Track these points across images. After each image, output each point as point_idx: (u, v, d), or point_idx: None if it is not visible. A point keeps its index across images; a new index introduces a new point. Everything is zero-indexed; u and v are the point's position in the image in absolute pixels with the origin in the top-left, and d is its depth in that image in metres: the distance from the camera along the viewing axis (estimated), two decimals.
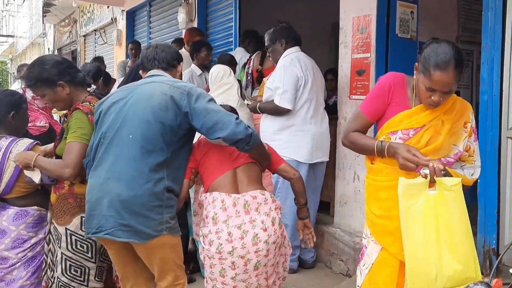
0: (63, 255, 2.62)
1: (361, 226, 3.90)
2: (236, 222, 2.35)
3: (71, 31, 13.09)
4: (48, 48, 15.55)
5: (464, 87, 5.22)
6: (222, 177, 2.45)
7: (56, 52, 14.86)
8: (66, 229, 2.61)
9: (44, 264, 2.80)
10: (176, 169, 2.38)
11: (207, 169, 2.50)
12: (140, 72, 2.70)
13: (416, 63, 2.18)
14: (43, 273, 2.80)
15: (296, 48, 3.98)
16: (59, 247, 2.63)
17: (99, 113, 2.41)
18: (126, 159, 2.27)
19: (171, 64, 2.57)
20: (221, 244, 2.33)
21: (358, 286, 2.36)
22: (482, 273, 2.15)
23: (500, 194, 3.11)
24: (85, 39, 12.28)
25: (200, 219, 2.59)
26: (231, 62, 4.85)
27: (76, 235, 2.61)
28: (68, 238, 2.61)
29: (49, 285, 2.74)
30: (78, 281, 2.65)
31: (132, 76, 3.50)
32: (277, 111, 3.86)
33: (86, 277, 2.65)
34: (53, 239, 2.69)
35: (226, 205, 2.38)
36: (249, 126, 2.35)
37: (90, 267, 2.65)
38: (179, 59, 2.63)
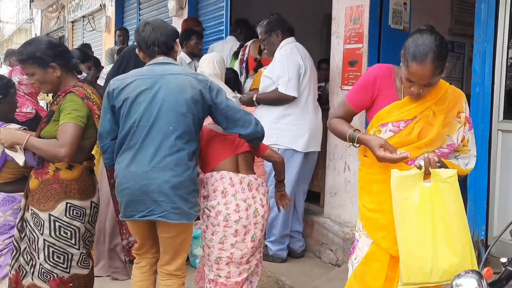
0: (46, 242, 2.60)
1: (351, 216, 3.92)
2: (242, 196, 2.68)
3: (58, 17, 12.90)
4: (35, 34, 15.31)
5: (455, 80, 5.24)
6: (227, 161, 2.73)
7: None
8: (50, 215, 2.59)
9: (14, 252, 2.74)
10: (197, 157, 2.65)
11: (212, 154, 2.76)
12: (137, 51, 2.70)
13: (401, 52, 2.11)
14: (14, 261, 2.73)
15: (292, 39, 3.95)
16: (41, 234, 2.60)
17: (124, 100, 2.48)
18: (168, 149, 2.45)
19: (170, 46, 2.62)
20: (229, 214, 2.65)
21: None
22: None
23: (490, 186, 3.15)
24: (73, 26, 12.10)
25: (200, 195, 2.79)
26: (236, 79, 4.72)
27: (60, 221, 2.59)
28: (52, 224, 2.59)
29: (22, 273, 2.69)
30: (61, 268, 2.63)
31: (126, 61, 3.49)
32: (281, 100, 3.81)
33: (68, 263, 2.64)
34: (31, 226, 2.64)
35: (234, 182, 2.69)
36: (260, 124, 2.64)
37: (74, 253, 2.64)
38: (175, 37, 2.67)
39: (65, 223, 2.60)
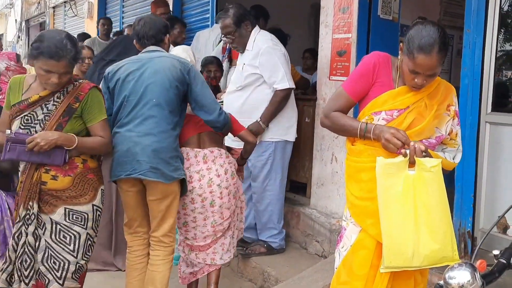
0: (88, 236, 2.62)
1: (337, 207, 3.91)
2: (196, 169, 3.00)
3: (39, 2, 12.63)
4: (16, 20, 15.00)
5: (443, 72, 5.24)
6: (190, 138, 3.07)
7: (23, 24, 14.35)
8: (93, 205, 2.63)
9: (29, 261, 2.56)
10: (180, 129, 2.96)
11: (181, 132, 3.00)
12: (134, 42, 3.09)
13: (401, 44, 2.13)
14: (29, 271, 2.57)
15: (257, 27, 3.84)
16: (85, 228, 2.59)
17: (116, 80, 2.87)
18: (152, 118, 2.78)
19: (159, 39, 2.99)
20: None
21: (335, 268, 2.34)
22: None
23: (477, 178, 3.15)
24: (54, 11, 11.86)
25: None
26: (212, 62, 4.65)
27: (100, 209, 2.68)
28: (95, 214, 2.65)
29: (45, 282, 2.56)
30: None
31: (121, 46, 4.00)
32: (287, 97, 3.76)
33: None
34: (65, 225, 2.55)
35: (189, 156, 3.02)
36: (226, 115, 2.96)
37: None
38: (166, 32, 3.05)
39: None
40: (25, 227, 2.53)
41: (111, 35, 7.38)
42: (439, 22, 5.19)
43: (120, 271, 3.90)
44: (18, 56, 4.18)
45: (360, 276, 2.19)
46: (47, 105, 2.54)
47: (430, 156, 2.08)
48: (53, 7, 11.76)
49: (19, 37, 14.80)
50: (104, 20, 7.22)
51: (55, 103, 2.54)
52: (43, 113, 2.53)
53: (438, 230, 2.01)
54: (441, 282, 1.43)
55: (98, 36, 7.46)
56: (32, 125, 2.52)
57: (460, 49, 3.27)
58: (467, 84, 3.12)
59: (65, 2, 10.84)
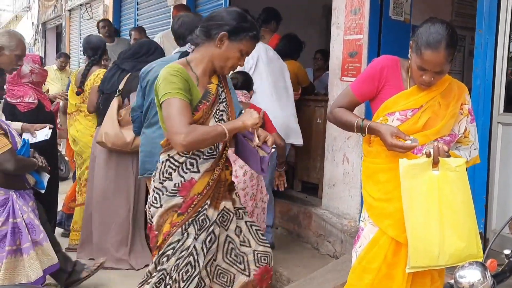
0: (228, 237, 2.42)
1: (349, 208, 3.91)
2: None
3: (56, 5, 12.78)
4: (32, 23, 15.21)
5: (455, 73, 5.22)
6: None
7: (40, 27, 14.55)
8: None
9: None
10: None
11: None
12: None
13: (411, 42, 2.16)
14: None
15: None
16: (226, 230, 2.40)
17: (147, 81, 2.98)
18: None
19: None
20: None
21: (352, 266, 2.38)
22: None
23: (489, 179, 3.14)
24: (70, 14, 12.00)
25: None
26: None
27: None
28: None
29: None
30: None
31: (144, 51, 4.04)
32: None
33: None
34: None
35: None
36: None
37: None
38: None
39: None
40: (223, 228, 2.38)
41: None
42: (450, 23, 5.17)
43: (133, 270, 3.95)
44: (41, 59, 4.24)
45: (370, 269, 2.23)
46: (222, 92, 2.34)
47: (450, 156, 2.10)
48: (69, 10, 11.89)
49: (35, 39, 15.01)
50: (104, 22, 6.93)
51: (222, 87, 2.35)
52: (220, 101, 2.33)
53: (463, 228, 2.04)
54: (452, 281, 1.43)
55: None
56: (220, 117, 2.31)
57: (472, 50, 3.25)
58: (479, 84, 3.11)
59: (80, 5, 10.97)
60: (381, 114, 2.23)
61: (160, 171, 2.29)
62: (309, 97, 4.81)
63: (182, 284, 2.24)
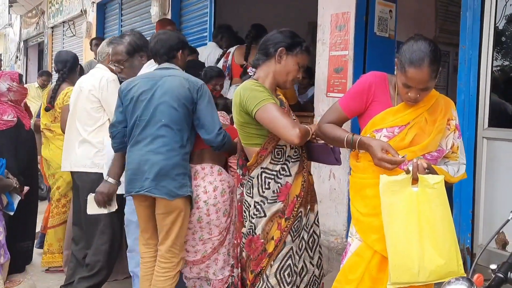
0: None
1: (335, 225, 3.88)
2: None
3: (38, 22, 12.72)
4: (15, 40, 15.08)
5: (440, 88, 5.27)
6: (193, 153, 3.07)
7: (22, 44, 14.44)
8: None
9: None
10: (192, 145, 3.00)
11: None
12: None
13: (396, 59, 2.18)
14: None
15: (152, 60, 3.29)
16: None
17: (130, 98, 2.95)
18: (162, 138, 2.86)
19: (171, 56, 3.02)
20: None
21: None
22: None
23: (475, 194, 3.14)
24: (53, 31, 11.94)
25: None
26: (220, 75, 4.43)
27: None
28: None
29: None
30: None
31: None
32: None
33: None
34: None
35: None
36: (224, 135, 2.91)
37: None
38: (178, 48, 3.05)
39: None
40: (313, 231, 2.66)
41: None
42: (435, 39, 5.24)
43: (118, 281, 3.84)
44: (20, 76, 4.12)
45: (350, 280, 2.24)
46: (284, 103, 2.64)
47: (433, 172, 2.11)
48: (52, 27, 11.84)
49: (17, 57, 14.87)
50: (97, 40, 6.93)
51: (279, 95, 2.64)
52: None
53: (443, 245, 2.04)
54: None
55: (95, 58, 7.39)
56: None
57: (456, 65, 3.29)
58: (464, 99, 3.13)
59: (63, 22, 10.91)
60: (368, 131, 2.23)
61: (258, 185, 2.48)
62: (295, 113, 4.78)
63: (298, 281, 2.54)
